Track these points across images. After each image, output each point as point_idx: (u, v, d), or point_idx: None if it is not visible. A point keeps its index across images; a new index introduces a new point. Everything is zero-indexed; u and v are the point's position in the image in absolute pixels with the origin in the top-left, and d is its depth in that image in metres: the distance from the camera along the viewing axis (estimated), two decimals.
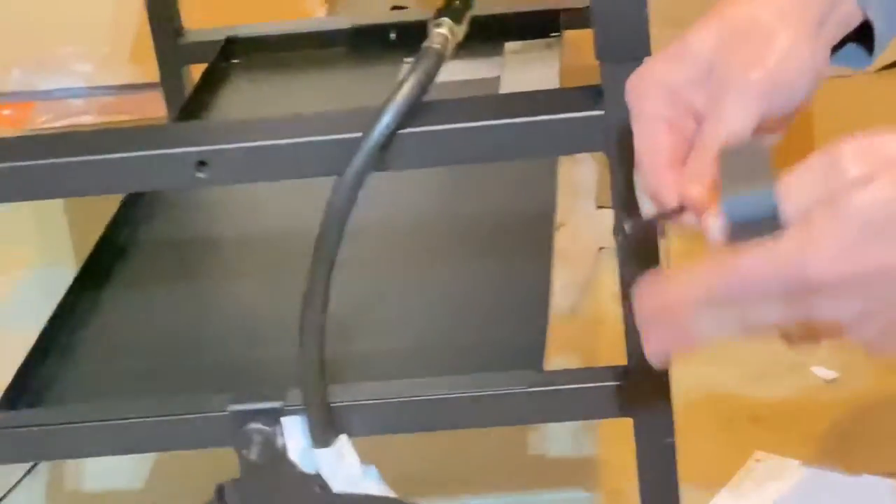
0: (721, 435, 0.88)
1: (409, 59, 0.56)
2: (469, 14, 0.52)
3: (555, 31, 0.72)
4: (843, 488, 0.82)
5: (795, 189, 0.27)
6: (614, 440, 0.82)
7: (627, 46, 0.47)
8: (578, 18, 0.72)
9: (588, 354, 0.87)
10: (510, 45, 0.70)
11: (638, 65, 0.45)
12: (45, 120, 1.10)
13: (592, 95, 0.49)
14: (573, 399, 0.54)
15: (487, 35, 0.69)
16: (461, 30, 0.51)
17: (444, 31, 0.51)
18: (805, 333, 0.29)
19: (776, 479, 0.83)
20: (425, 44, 0.51)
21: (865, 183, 0.26)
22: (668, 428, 0.54)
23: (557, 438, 0.80)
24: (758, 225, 0.27)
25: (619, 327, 0.52)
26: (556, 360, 0.58)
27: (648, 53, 0.47)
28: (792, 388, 0.89)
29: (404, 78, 0.50)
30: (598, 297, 0.98)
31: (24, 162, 0.50)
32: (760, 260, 0.27)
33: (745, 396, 0.89)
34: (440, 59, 0.51)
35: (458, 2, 0.52)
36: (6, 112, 1.11)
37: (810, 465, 0.83)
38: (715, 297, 0.28)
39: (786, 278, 0.26)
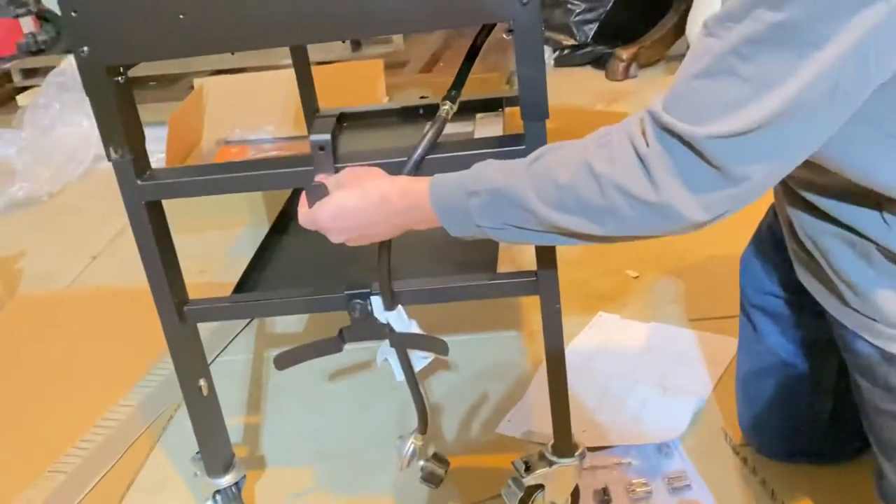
0: (583, 303, 1.66)
1: (429, 123, 1.04)
2: (458, 99, 1.12)
3: (500, 108, 1.25)
4: (639, 329, 1.59)
5: (329, 185, 1.00)
6: (531, 308, 1.54)
7: (537, 113, 0.97)
8: (513, 100, 1.24)
9: (517, 265, 1.59)
10: (479, 115, 1.24)
11: (542, 123, 1.02)
12: (252, 155, 2.03)
13: (517, 138, 1.00)
14: (511, 286, 1.11)
15: (467, 109, 1.21)
16: (455, 107, 1.10)
17: (446, 108, 1.06)
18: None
19: (608, 325, 1.62)
20: (437, 114, 1.04)
21: (339, 189, 0.98)
22: (557, 300, 1.08)
23: (501, 303, 1.52)
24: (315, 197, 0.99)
25: (533, 250, 1.08)
26: (501, 267, 1.19)
27: (548, 117, 0.98)
28: (616, 280, 1.69)
29: (426, 131, 1.01)
30: None
31: (242, 172, 1.06)
32: (308, 215, 0.99)
33: (595, 285, 1.70)
34: (444, 122, 1.03)
35: (453, 92, 1.12)
36: (233, 151, 2.07)
37: (625, 318, 1.63)
38: (308, 224, 1.00)
39: (314, 223, 0.99)
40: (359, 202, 0.97)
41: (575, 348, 1.60)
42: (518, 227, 0.90)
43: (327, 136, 1.01)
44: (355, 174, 1.00)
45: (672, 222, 0.80)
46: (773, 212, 1.22)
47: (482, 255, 1.21)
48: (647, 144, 0.79)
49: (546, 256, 1.08)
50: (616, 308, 1.72)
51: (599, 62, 3.22)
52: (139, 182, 1.06)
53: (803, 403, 1.24)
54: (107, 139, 1.03)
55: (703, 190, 0.77)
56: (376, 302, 1.12)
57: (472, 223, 0.92)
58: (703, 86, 0.76)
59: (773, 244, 1.20)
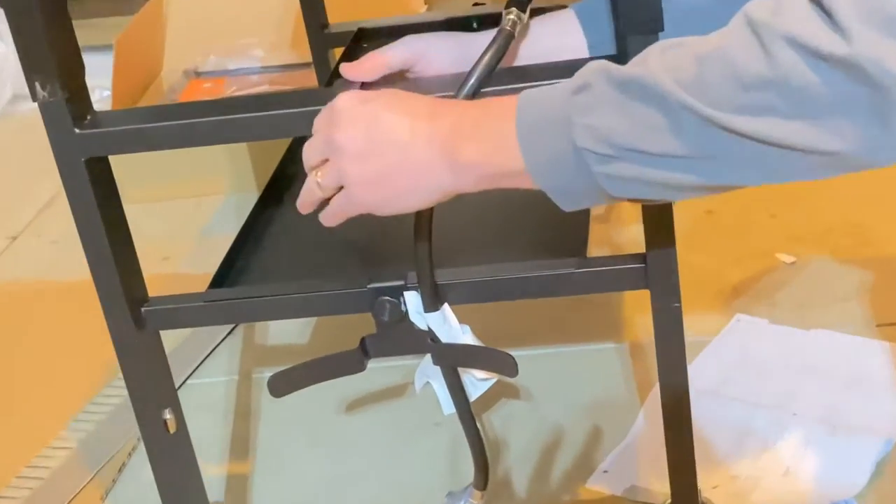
0: (714, 302, 1.66)
1: (489, 40, 1.02)
2: (529, 6, 1.10)
3: None
4: (796, 338, 1.59)
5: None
6: (636, 309, 1.55)
7: (646, 23, 0.97)
8: None
9: (616, 247, 1.58)
10: None
11: (654, 37, 0.96)
12: (233, 90, 2.15)
13: (615, 59, 0.88)
14: (608, 277, 1.09)
15: None
16: (525, 17, 1.09)
17: (512, 17, 1.04)
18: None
19: (750, 333, 1.62)
20: (500, 27, 1.02)
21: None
22: (676, 296, 1.06)
23: (593, 301, 1.53)
24: None
25: (640, 227, 1.07)
26: (594, 251, 1.20)
27: (662, 29, 0.98)
28: (762, 267, 1.69)
29: (485, 50, 1.00)
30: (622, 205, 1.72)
31: (222, 116, 1.07)
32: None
33: (731, 275, 1.70)
34: (511, 38, 1.03)
35: None
36: (206, 85, 2.17)
37: (776, 323, 1.63)
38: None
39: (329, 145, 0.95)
40: (396, 114, 0.93)
41: (702, 366, 1.59)
42: (641, 150, 0.82)
43: None
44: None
45: (879, 91, 0.74)
46: None
47: (566, 232, 1.20)
48: None
49: (660, 232, 1.07)
50: (762, 309, 1.70)
51: None
52: (77, 131, 1.08)
53: None
54: (31, 71, 1.05)
55: None
56: (413, 300, 1.12)
57: (570, 140, 0.84)
58: None
59: None
